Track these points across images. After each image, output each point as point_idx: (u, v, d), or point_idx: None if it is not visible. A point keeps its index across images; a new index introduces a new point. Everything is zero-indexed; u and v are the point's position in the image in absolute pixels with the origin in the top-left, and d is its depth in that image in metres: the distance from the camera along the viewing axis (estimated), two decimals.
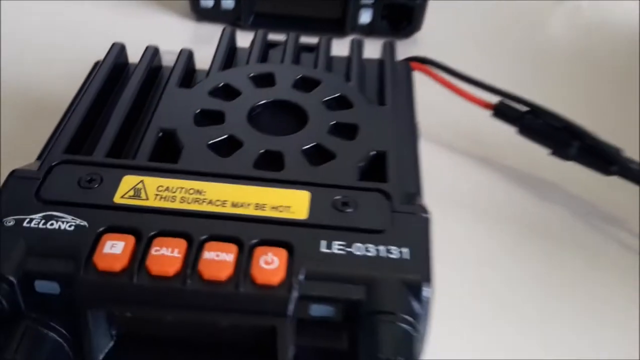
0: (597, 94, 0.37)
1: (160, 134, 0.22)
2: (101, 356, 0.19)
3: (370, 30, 0.40)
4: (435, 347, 0.20)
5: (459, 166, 0.31)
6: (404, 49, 0.37)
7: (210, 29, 0.40)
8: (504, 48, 0.41)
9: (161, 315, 0.18)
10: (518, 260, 0.27)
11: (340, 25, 0.40)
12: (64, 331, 0.18)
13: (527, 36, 0.43)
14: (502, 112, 0.29)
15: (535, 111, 0.28)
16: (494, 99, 0.30)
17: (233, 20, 0.40)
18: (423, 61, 0.31)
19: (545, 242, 0.27)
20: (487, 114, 0.30)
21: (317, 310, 0.18)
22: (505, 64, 0.39)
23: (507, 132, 0.29)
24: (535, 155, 0.29)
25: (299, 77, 0.26)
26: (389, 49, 0.29)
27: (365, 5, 0.39)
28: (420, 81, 0.31)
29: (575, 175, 0.28)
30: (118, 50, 0.26)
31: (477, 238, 0.27)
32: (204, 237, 0.18)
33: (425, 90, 0.30)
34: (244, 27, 0.39)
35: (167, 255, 0.18)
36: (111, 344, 0.19)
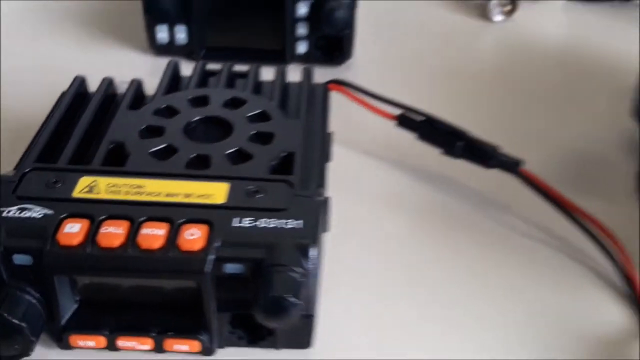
0: (507, 106, 0.44)
1: (112, 145, 0.28)
2: (67, 316, 0.24)
3: (307, 59, 0.46)
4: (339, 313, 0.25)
5: (371, 166, 0.37)
6: (337, 74, 0.43)
7: (166, 62, 0.46)
8: (427, 68, 0.47)
9: (110, 278, 0.24)
10: (419, 242, 0.32)
11: (282, 55, 0.46)
12: (37, 295, 0.24)
13: (453, 56, 0.49)
14: (404, 122, 0.35)
15: (429, 120, 0.34)
16: (398, 111, 0.36)
17: (187, 53, 0.46)
18: (340, 83, 0.37)
19: (442, 226, 0.33)
20: (392, 124, 0.36)
21: (230, 268, 0.23)
22: (427, 82, 0.46)
23: (409, 138, 0.36)
24: (432, 155, 0.35)
25: (229, 98, 0.32)
26: (306, 74, 0.35)
27: (301, 38, 0.45)
28: (340, 100, 0.37)
29: (465, 169, 0.35)
30: (79, 82, 0.33)
31: (385, 223, 0.33)
32: (142, 218, 0.24)
33: (345, 107, 0.37)
34: (197, 59, 0.45)
35: (113, 232, 0.23)
36: (75, 306, 0.25)
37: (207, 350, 0.25)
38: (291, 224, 0.24)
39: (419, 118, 0.35)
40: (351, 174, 0.36)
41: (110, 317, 0.25)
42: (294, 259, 0.23)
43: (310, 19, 0.44)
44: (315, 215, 0.25)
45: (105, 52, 0.48)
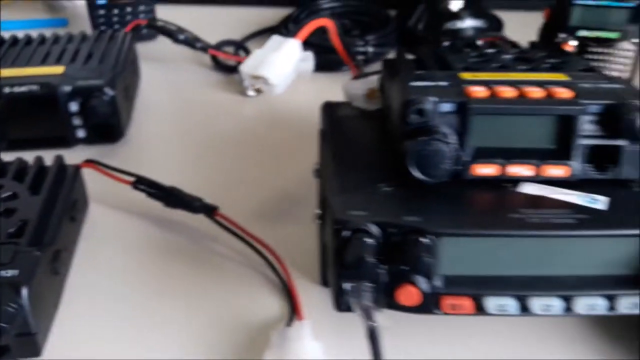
0: (246, 159, 0.58)
1: None
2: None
3: (87, 141, 0.58)
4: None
5: (121, 217, 0.50)
6: (114, 150, 0.56)
7: None
8: (192, 136, 0.61)
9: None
10: (146, 267, 0.45)
11: (66, 141, 0.58)
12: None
13: (219, 125, 0.63)
14: (138, 187, 0.48)
15: (151, 184, 0.48)
16: (132, 179, 0.49)
17: None
18: (92, 162, 0.50)
19: (164, 255, 0.46)
20: (129, 188, 0.49)
21: None
22: (191, 147, 0.59)
23: (145, 198, 0.49)
24: (160, 208, 0.48)
25: None
26: (56, 160, 0.47)
27: (78, 127, 0.58)
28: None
29: (183, 215, 0.48)
30: None
31: (126, 257, 0.46)
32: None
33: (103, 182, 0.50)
34: (2, 150, 0.57)
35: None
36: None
37: None
38: (10, 272, 0.36)
39: (145, 183, 0.48)
40: (108, 225, 0.49)
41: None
42: (8, 297, 0.35)
43: (81, 112, 0.57)
44: (30, 265, 0.37)
45: None
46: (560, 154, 0.37)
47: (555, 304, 0.34)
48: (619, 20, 0.57)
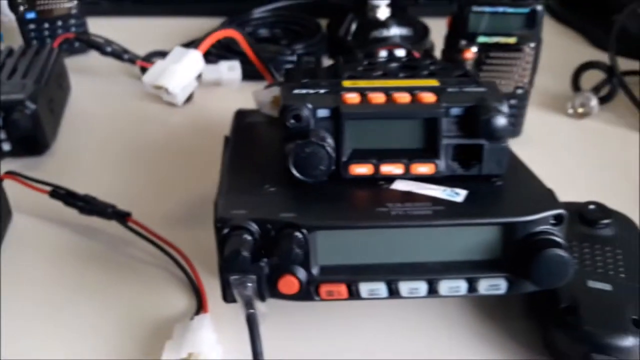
0: (174, 167, 0.61)
1: None
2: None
3: (13, 154, 0.61)
4: None
5: (41, 229, 0.53)
6: (38, 162, 0.59)
7: None
8: (119, 147, 0.64)
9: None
10: (66, 272, 0.48)
11: None
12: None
13: (145, 135, 0.66)
14: (55, 196, 0.51)
15: (69, 193, 0.51)
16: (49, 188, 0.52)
17: None
18: (12, 173, 0.53)
19: (84, 259, 0.49)
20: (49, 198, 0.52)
21: None
22: (115, 159, 0.62)
23: (63, 208, 0.52)
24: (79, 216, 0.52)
25: None
26: None
27: (3, 140, 0.60)
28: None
29: (99, 222, 0.51)
30: None
31: (51, 263, 0.49)
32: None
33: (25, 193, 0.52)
34: None
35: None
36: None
37: None
38: None
39: (62, 192, 0.51)
40: (29, 233, 0.52)
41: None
42: None
43: (4, 126, 0.59)
44: None
45: None
46: (428, 153, 0.41)
47: (421, 287, 0.38)
48: (515, 26, 0.61)
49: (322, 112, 0.40)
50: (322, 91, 0.42)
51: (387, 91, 0.41)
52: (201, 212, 0.55)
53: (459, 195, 0.40)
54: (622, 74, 0.73)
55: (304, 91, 0.42)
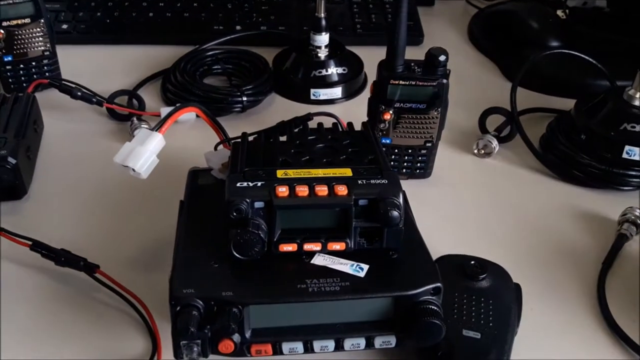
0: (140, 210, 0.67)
1: None
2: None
3: None
4: None
5: (21, 275, 0.58)
6: (17, 207, 0.64)
7: None
8: (89, 188, 0.69)
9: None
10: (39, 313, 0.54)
11: None
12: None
13: (113, 176, 0.71)
14: (34, 250, 0.57)
15: (39, 244, 0.57)
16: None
17: None
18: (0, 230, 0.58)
19: (61, 301, 0.55)
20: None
21: None
22: (86, 201, 0.67)
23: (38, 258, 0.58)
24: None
25: None
26: None
27: None
28: None
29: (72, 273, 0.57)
30: None
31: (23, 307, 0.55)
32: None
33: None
34: None
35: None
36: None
37: None
38: None
39: (40, 246, 0.57)
40: (12, 279, 0.58)
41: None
42: None
43: None
44: None
45: None
46: (341, 233, 0.49)
47: (329, 344, 0.47)
48: (425, 95, 0.69)
49: (259, 204, 0.47)
50: (259, 184, 0.48)
51: (310, 182, 0.48)
52: (161, 254, 0.60)
53: (362, 270, 0.48)
54: (525, 111, 0.82)
55: (244, 184, 0.48)
